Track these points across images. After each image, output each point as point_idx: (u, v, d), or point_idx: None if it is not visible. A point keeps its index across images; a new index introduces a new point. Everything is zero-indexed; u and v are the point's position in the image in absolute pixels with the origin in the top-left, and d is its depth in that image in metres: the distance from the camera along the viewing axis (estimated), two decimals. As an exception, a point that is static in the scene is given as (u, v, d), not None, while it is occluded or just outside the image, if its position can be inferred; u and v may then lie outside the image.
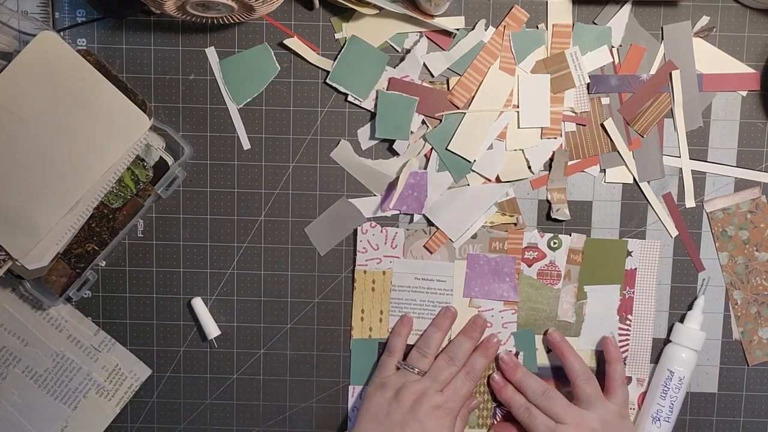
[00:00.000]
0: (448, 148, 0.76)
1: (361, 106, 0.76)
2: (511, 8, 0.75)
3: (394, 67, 0.76)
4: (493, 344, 0.77)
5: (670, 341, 0.77)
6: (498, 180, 0.77)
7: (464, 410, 0.76)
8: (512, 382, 0.77)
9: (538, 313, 0.78)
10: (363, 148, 0.77)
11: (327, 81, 0.76)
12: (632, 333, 0.78)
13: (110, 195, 0.74)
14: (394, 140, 0.76)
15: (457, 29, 0.75)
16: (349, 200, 0.78)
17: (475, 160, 0.76)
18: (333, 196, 0.78)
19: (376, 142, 0.77)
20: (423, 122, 0.76)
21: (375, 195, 0.78)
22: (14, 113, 0.69)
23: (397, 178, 0.77)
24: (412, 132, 0.76)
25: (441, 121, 0.76)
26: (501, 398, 0.77)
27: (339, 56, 0.76)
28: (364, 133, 0.77)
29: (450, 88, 0.76)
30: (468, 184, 0.77)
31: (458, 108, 0.76)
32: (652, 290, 0.78)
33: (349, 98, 0.76)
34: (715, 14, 0.76)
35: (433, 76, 0.76)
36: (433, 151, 0.76)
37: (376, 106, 0.76)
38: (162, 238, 0.78)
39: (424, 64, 0.76)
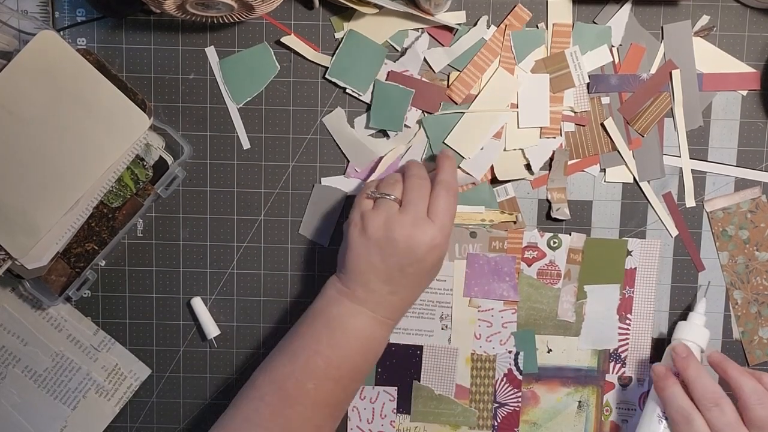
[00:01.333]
0: (445, 142, 0.76)
1: (361, 99, 0.76)
2: (514, 7, 0.75)
3: (395, 62, 0.76)
4: (450, 154, 0.71)
5: (674, 339, 0.75)
6: (492, 181, 0.77)
7: None
8: (683, 378, 0.68)
9: (538, 313, 0.78)
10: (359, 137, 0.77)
11: (326, 76, 0.76)
12: (632, 333, 0.78)
13: (110, 194, 0.74)
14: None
15: (459, 24, 0.75)
16: (324, 184, 0.78)
17: (469, 158, 0.76)
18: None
19: (372, 132, 0.77)
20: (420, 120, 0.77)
21: (347, 177, 0.77)
22: (14, 113, 0.69)
23: (382, 157, 0.77)
24: (408, 126, 0.76)
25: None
26: (658, 392, 0.69)
27: (337, 50, 0.76)
28: (360, 121, 0.77)
29: (449, 84, 0.76)
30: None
31: (456, 104, 0.76)
32: (651, 290, 0.78)
33: (348, 91, 0.76)
34: (715, 14, 0.76)
35: (435, 72, 0.76)
36: (426, 140, 0.76)
37: (372, 96, 0.76)
38: (162, 237, 0.78)
39: (426, 61, 0.76)
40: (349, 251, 0.67)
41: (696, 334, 0.74)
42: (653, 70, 0.76)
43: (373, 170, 0.77)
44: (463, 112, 0.76)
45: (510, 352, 0.79)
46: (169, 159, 0.76)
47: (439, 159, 0.71)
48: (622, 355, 0.79)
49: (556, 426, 0.79)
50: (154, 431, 0.81)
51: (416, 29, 0.76)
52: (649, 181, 0.77)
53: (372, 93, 0.76)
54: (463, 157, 0.76)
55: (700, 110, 0.76)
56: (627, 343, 0.78)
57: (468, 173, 0.77)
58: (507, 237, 0.78)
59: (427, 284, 0.70)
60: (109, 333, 0.79)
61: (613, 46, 0.76)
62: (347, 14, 0.76)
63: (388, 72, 0.76)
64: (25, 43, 0.70)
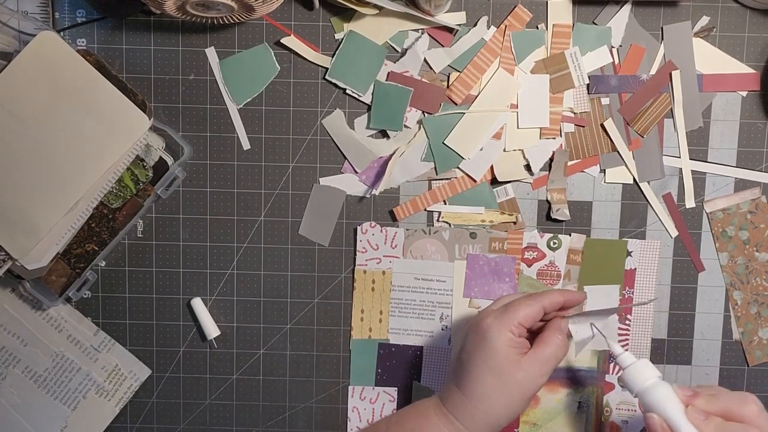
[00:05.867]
0: (445, 142, 0.76)
1: (361, 99, 0.76)
2: (514, 7, 0.75)
3: (395, 63, 0.76)
4: (577, 292, 0.69)
5: (640, 391, 0.64)
6: (492, 181, 0.77)
7: (551, 329, 0.66)
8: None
9: (538, 314, 0.78)
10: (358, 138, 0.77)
11: (326, 77, 0.76)
12: (632, 333, 0.78)
13: (110, 195, 0.74)
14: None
15: (459, 25, 0.75)
16: (322, 183, 0.78)
17: (469, 158, 0.76)
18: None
19: (372, 132, 0.77)
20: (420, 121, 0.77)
21: (342, 173, 0.77)
22: (14, 113, 0.69)
23: (381, 157, 0.77)
24: (408, 127, 0.76)
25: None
26: None
27: (337, 51, 0.76)
28: (361, 122, 0.77)
29: (449, 84, 0.76)
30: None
31: (456, 104, 0.76)
32: (651, 290, 0.78)
33: (348, 91, 0.76)
34: (715, 14, 0.76)
35: (435, 72, 0.76)
36: (426, 141, 0.76)
37: (372, 96, 0.76)
38: (162, 238, 0.78)
39: (426, 61, 0.76)
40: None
41: (642, 373, 0.64)
42: (653, 71, 0.76)
43: (372, 170, 0.77)
44: (463, 113, 0.76)
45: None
46: (169, 160, 0.76)
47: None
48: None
49: (556, 426, 0.79)
50: (154, 431, 0.81)
51: (416, 30, 0.76)
52: (648, 182, 0.77)
53: (372, 93, 0.76)
54: (463, 158, 0.76)
55: (700, 111, 0.77)
56: (627, 344, 0.78)
57: (466, 173, 0.77)
58: (507, 238, 0.78)
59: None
60: (109, 333, 0.79)
61: (613, 46, 0.76)
62: (347, 15, 0.76)
63: (388, 73, 0.76)
64: (25, 44, 0.70)
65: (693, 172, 0.77)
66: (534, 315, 0.65)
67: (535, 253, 0.78)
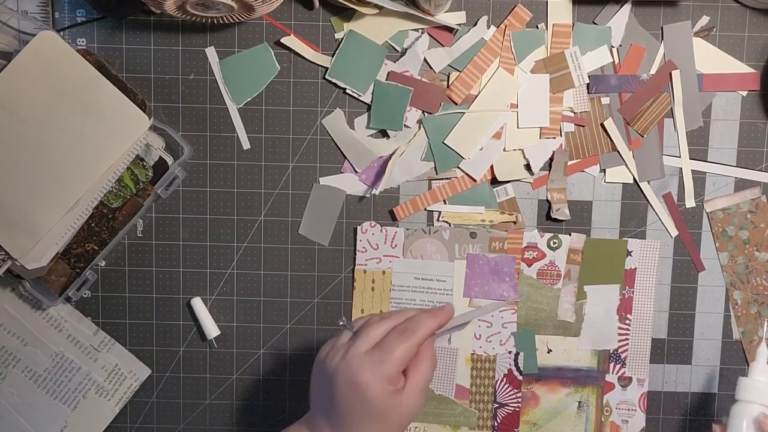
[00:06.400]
0: (445, 142, 0.76)
1: (361, 99, 0.76)
2: (514, 7, 0.75)
3: (395, 62, 0.76)
4: (446, 309, 0.65)
5: (737, 400, 0.66)
6: (492, 181, 0.77)
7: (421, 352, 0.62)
8: None
9: (538, 313, 0.78)
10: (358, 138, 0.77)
11: (326, 76, 0.76)
12: (632, 333, 0.78)
13: (110, 195, 0.74)
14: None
15: (459, 25, 0.75)
16: (322, 183, 0.78)
17: (469, 158, 0.76)
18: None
19: (371, 132, 0.77)
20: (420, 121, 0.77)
21: (342, 172, 0.77)
22: (14, 113, 0.69)
23: (381, 157, 0.77)
24: (408, 126, 0.76)
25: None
26: None
27: (337, 51, 0.76)
28: (361, 122, 0.77)
29: (449, 84, 0.76)
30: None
31: (456, 104, 0.76)
32: (651, 290, 0.78)
33: (348, 91, 0.76)
34: (715, 14, 0.76)
35: (435, 72, 0.76)
36: (426, 140, 0.76)
37: (372, 96, 0.76)
38: (162, 238, 0.78)
39: (426, 61, 0.76)
40: None
41: (760, 393, 0.66)
42: (653, 71, 0.76)
43: (372, 170, 0.77)
44: (463, 112, 0.76)
45: (510, 352, 0.79)
46: (169, 159, 0.76)
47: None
48: (622, 356, 0.79)
49: (556, 426, 0.79)
50: (153, 431, 0.81)
51: (416, 29, 0.76)
52: (649, 182, 0.77)
53: (372, 93, 0.76)
54: (463, 158, 0.77)
55: (700, 111, 0.77)
56: (627, 344, 0.79)
57: (466, 172, 0.77)
58: (507, 237, 0.78)
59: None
60: (109, 333, 0.79)
61: (613, 46, 0.76)
62: (347, 15, 0.76)
63: (388, 72, 0.76)
64: (25, 44, 0.70)
65: (693, 171, 0.77)
66: (411, 355, 0.61)
67: (535, 252, 0.78)
